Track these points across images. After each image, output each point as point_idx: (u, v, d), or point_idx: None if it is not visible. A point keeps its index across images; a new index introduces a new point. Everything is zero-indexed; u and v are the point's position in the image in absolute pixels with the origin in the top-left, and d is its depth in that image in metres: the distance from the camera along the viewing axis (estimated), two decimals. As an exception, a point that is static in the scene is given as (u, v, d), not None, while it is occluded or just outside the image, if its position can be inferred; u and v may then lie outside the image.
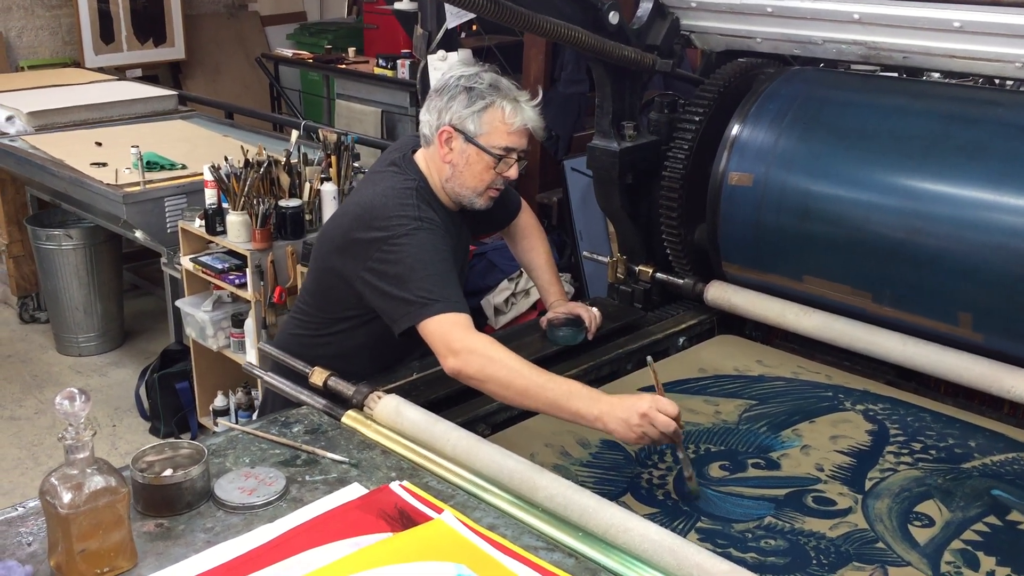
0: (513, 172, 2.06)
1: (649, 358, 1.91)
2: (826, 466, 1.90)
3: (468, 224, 2.18)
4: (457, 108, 2.00)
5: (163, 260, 3.85)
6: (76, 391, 1.32)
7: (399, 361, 2.14)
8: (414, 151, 2.11)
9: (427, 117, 2.06)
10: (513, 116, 2.00)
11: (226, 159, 3.47)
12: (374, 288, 1.93)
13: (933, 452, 1.95)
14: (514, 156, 2.03)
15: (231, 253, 3.46)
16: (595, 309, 2.30)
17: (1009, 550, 1.65)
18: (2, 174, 4.73)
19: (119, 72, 6.25)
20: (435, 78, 3.86)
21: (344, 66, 6.04)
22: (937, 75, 2.43)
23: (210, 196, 3.45)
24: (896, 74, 2.49)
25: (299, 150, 3.65)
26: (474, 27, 4.84)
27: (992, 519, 1.74)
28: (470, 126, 2.00)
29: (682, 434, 1.77)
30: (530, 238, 2.39)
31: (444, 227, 2.00)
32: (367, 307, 2.02)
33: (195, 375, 3.81)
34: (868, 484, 1.84)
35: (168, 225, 3.75)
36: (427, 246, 1.91)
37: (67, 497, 1.32)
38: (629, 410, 1.70)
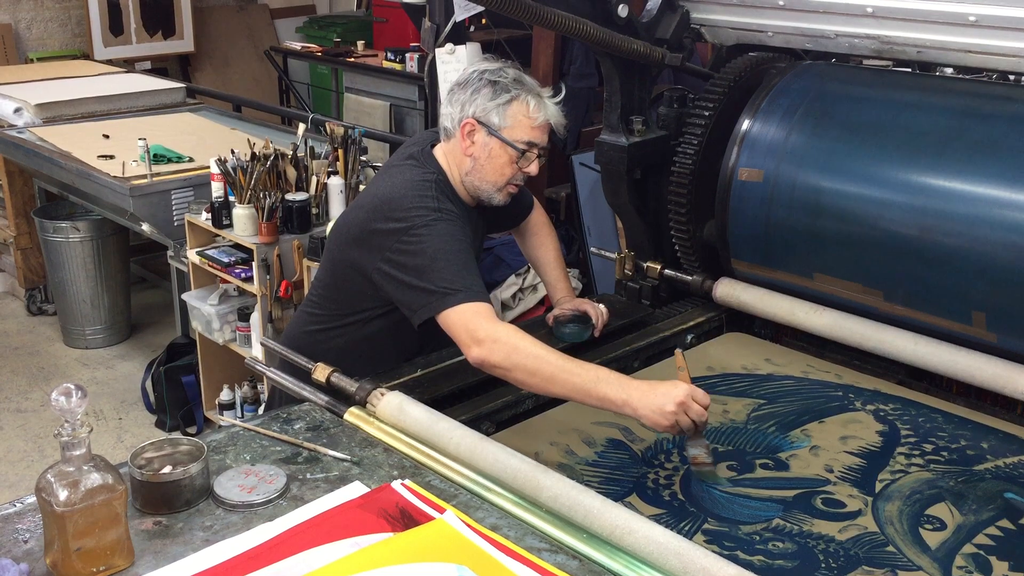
0: (533, 168, 2.05)
1: (677, 349, 1.89)
2: (836, 467, 1.87)
3: (483, 221, 2.17)
4: (482, 101, 1.99)
5: (170, 253, 3.85)
6: (72, 387, 1.30)
7: (411, 356, 2.12)
8: (433, 145, 2.10)
9: (449, 110, 2.05)
10: (537, 111, 2.00)
11: (233, 152, 3.45)
12: (393, 279, 1.92)
13: (945, 454, 1.92)
14: (535, 151, 2.03)
15: (237, 246, 3.45)
16: (602, 306, 2.28)
17: (1022, 554, 1.62)
18: (10, 166, 4.73)
19: (128, 64, 6.25)
20: (443, 71, 3.84)
21: (353, 59, 6.03)
22: (950, 70, 2.39)
23: (216, 189, 3.44)
24: (908, 69, 2.45)
25: (306, 143, 3.63)
26: (483, 20, 4.81)
27: (1005, 523, 1.71)
28: (494, 119, 1.99)
29: (706, 425, 1.77)
30: (540, 235, 2.38)
31: (462, 219, 1.98)
32: (382, 300, 2.02)
33: (201, 368, 3.80)
34: (878, 486, 1.81)
35: (175, 218, 3.74)
36: (447, 236, 1.90)
37: (63, 495, 1.30)
38: (664, 397, 1.69)
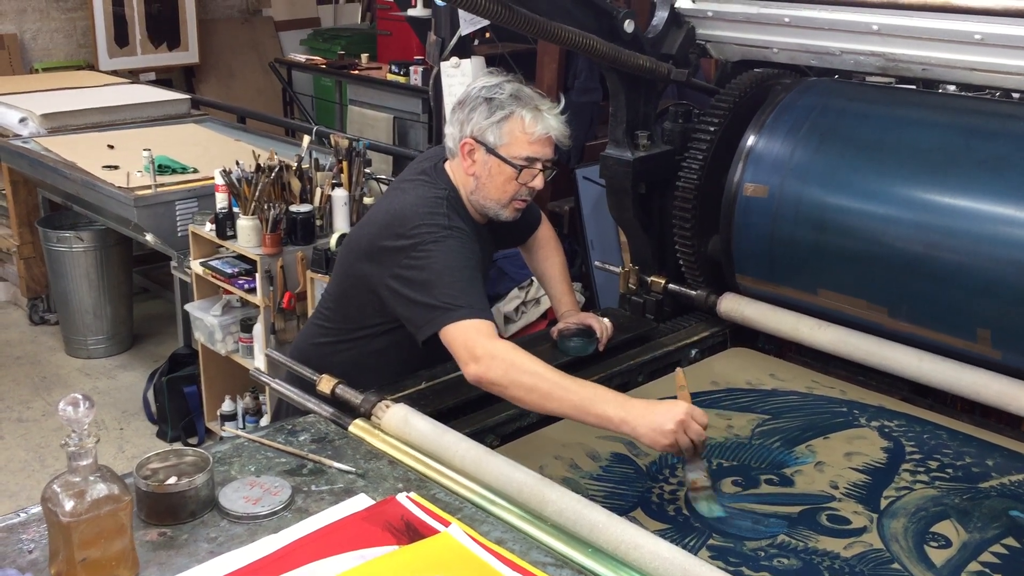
0: (538, 182, 2.04)
1: (678, 369, 1.87)
2: (840, 483, 1.87)
3: (492, 237, 2.17)
4: (477, 119, 1.99)
5: (173, 263, 3.85)
6: (80, 397, 1.30)
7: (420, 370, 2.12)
8: (445, 161, 2.10)
9: (450, 130, 2.05)
10: (534, 125, 1.98)
11: (237, 163, 3.46)
12: (399, 295, 1.92)
13: (950, 471, 1.92)
14: (538, 166, 2.01)
15: (241, 258, 3.45)
16: (606, 320, 2.28)
17: (1028, 573, 1.62)
18: (14, 175, 4.74)
19: (133, 75, 6.26)
20: (448, 85, 3.85)
21: (357, 72, 6.04)
22: (952, 88, 2.40)
23: (221, 200, 3.44)
24: (913, 86, 2.46)
25: (311, 155, 3.64)
26: (487, 34, 4.83)
27: (1010, 541, 1.70)
28: (490, 137, 1.98)
29: (705, 446, 1.75)
30: (546, 248, 2.38)
31: (472, 237, 1.98)
32: (391, 315, 2.01)
33: (203, 379, 3.80)
34: (884, 503, 1.81)
35: (178, 229, 3.74)
36: (454, 253, 1.90)
37: (69, 505, 1.30)
38: (663, 416, 1.68)
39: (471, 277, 1.89)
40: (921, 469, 1.92)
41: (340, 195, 3.47)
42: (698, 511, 1.77)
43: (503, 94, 1.99)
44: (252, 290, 3.38)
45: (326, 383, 1.88)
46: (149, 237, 3.82)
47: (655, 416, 1.68)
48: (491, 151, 1.99)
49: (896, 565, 1.63)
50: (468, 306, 1.84)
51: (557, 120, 2.02)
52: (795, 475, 1.90)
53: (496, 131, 1.98)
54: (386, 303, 1.97)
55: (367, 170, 3.65)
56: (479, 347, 1.79)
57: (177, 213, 3.75)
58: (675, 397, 1.85)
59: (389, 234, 1.95)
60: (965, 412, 2.15)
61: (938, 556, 1.65)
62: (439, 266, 1.87)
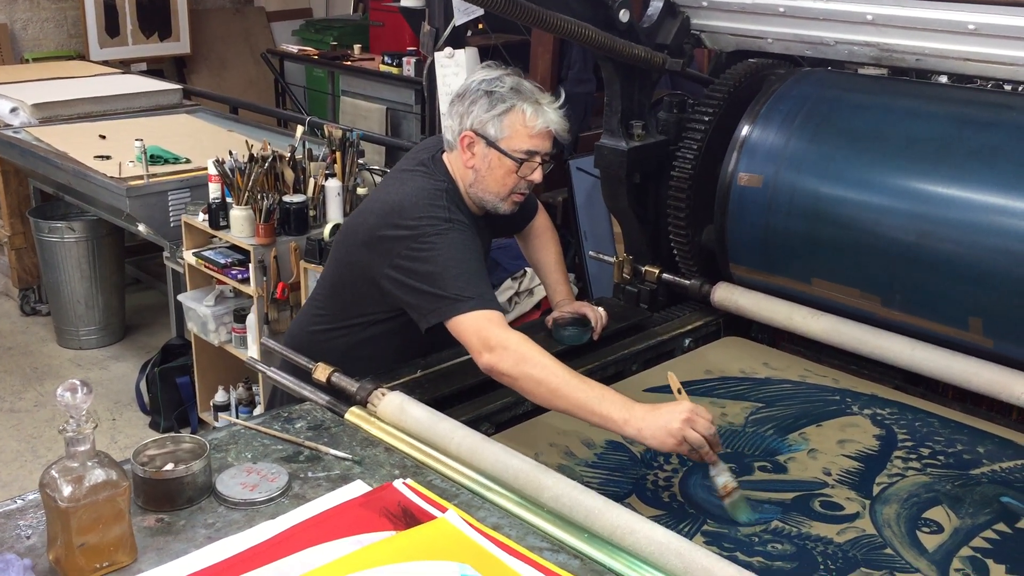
0: (537, 175, 2.04)
1: (670, 372, 1.86)
2: (833, 470, 1.88)
3: (489, 228, 2.17)
4: (478, 112, 1.99)
5: (165, 254, 3.84)
6: (78, 383, 1.30)
7: (413, 359, 2.12)
8: (443, 152, 2.10)
9: (449, 122, 2.05)
10: (535, 119, 1.98)
11: (230, 153, 3.45)
12: (402, 284, 1.92)
13: (941, 458, 1.94)
14: (537, 159, 2.02)
15: (234, 248, 3.45)
16: (601, 309, 2.29)
17: (1019, 558, 1.63)
18: (5, 166, 4.72)
19: (124, 66, 6.24)
20: (442, 75, 3.85)
21: (349, 63, 6.03)
22: (943, 78, 2.41)
23: (214, 190, 3.43)
24: (906, 77, 2.47)
25: (304, 146, 3.63)
26: (480, 26, 4.82)
27: (1001, 526, 1.72)
28: (491, 130, 1.98)
29: (720, 443, 1.72)
30: (542, 238, 2.38)
31: (472, 228, 1.99)
32: (386, 304, 2.02)
33: (196, 370, 3.79)
34: (876, 489, 1.82)
35: (171, 219, 3.73)
36: (459, 244, 1.90)
37: (67, 490, 1.30)
38: (669, 415, 1.67)
39: (477, 268, 1.90)
40: (913, 456, 1.94)
41: (333, 185, 3.46)
42: (736, 519, 1.71)
43: (504, 87, 1.99)
44: (245, 280, 3.37)
45: (322, 371, 1.89)
46: (141, 227, 3.81)
47: (659, 418, 1.68)
48: (491, 144, 1.99)
49: (889, 550, 1.64)
50: (478, 296, 1.85)
51: (557, 114, 2.02)
52: (788, 462, 1.91)
53: (497, 124, 1.98)
54: (386, 292, 1.98)
55: (360, 161, 3.65)
56: (493, 337, 1.80)
57: (170, 203, 3.74)
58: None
59: (388, 224, 1.95)
60: (957, 400, 2.17)
61: (930, 541, 1.67)
62: (444, 257, 1.88)
